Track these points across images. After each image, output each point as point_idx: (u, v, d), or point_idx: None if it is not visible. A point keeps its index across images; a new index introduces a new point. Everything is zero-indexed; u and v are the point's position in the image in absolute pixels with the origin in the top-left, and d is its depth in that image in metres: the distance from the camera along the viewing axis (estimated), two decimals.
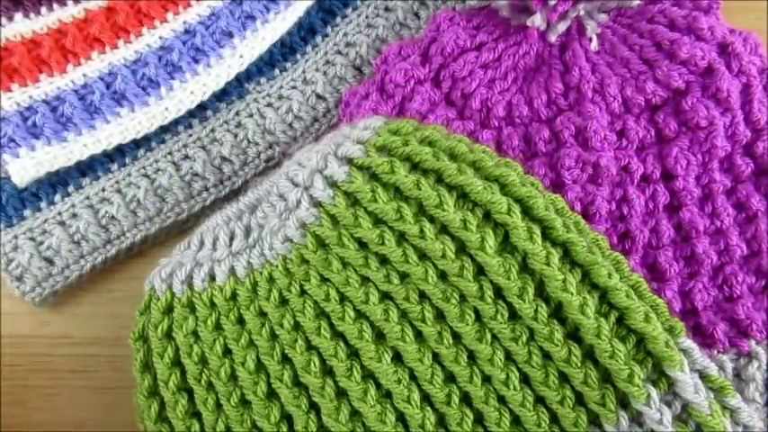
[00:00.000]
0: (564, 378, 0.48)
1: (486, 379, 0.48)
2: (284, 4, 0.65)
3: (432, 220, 0.49)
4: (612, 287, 0.48)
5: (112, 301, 0.65)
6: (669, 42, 0.59)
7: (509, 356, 0.48)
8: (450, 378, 0.49)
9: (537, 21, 0.60)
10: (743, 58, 0.58)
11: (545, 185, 0.55)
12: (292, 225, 0.50)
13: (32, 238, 0.63)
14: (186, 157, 0.65)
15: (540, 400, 0.48)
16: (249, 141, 0.65)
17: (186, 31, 0.64)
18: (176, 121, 0.65)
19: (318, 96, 0.67)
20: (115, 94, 0.62)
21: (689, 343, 0.49)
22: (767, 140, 0.58)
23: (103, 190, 0.64)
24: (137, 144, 0.65)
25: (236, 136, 0.65)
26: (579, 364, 0.47)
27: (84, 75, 0.62)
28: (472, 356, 0.49)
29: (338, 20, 0.69)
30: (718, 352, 0.55)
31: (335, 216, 0.50)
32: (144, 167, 0.65)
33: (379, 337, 0.49)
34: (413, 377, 0.49)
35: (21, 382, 0.63)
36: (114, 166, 0.65)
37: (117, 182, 0.64)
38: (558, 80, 0.61)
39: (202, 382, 0.51)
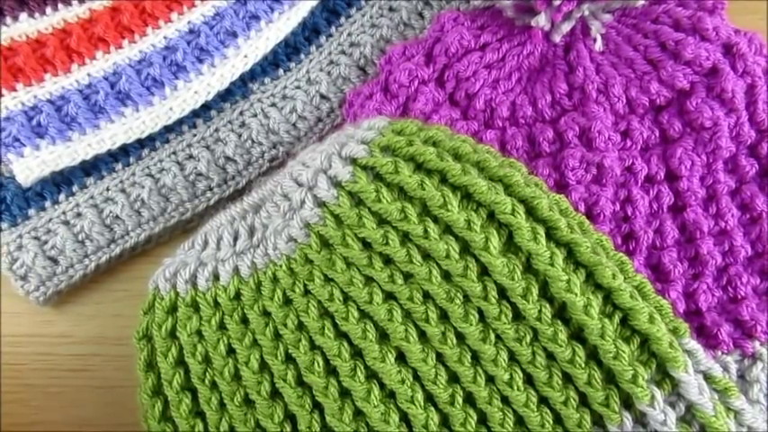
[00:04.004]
0: (568, 379, 0.48)
1: (490, 379, 0.48)
2: (288, 4, 0.65)
3: (436, 220, 0.49)
4: (617, 288, 0.48)
5: (116, 301, 0.65)
6: (674, 43, 0.59)
7: (513, 357, 0.48)
8: (453, 378, 0.49)
9: (541, 21, 0.60)
10: (748, 58, 0.58)
11: (549, 186, 0.55)
12: (296, 225, 0.50)
13: (37, 238, 0.63)
14: (190, 156, 0.65)
15: (543, 400, 0.48)
16: (253, 141, 0.65)
17: (190, 32, 0.64)
18: (180, 121, 0.65)
19: (322, 96, 0.67)
20: (119, 94, 0.62)
21: (693, 344, 0.49)
22: None
23: (108, 189, 0.64)
24: (141, 144, 0.65)
25: (240, 136, 0.66)
26: (583, 365, 0.47)
27: (89, 74, 0.62)
28: (476, 357, 0.49)
29: (342, 20, 0.69)
30: (723, 353, 0.55)
31: (339, 216, 0.50)
32: (148, 167, 0.65)
33: (383, 337, 0.49)
34: (416, 377, 0.49)
35: (23, 381, 0.63)
36: (118, 166, 0.65)
37: (121, 181, 0.64)
38: (563, 80, 0.61)
39: (206, 381, 0.51)
